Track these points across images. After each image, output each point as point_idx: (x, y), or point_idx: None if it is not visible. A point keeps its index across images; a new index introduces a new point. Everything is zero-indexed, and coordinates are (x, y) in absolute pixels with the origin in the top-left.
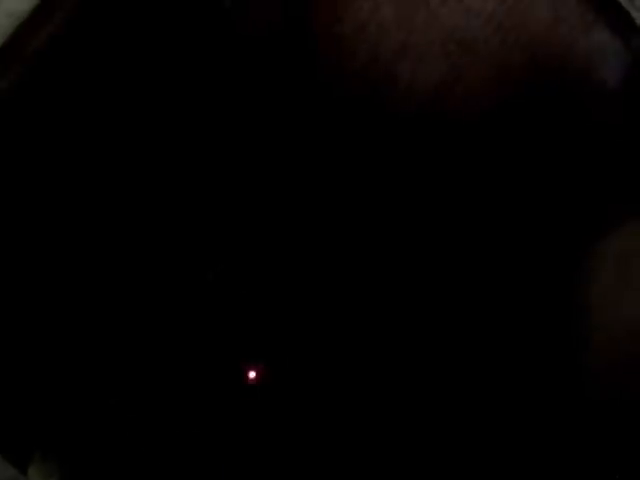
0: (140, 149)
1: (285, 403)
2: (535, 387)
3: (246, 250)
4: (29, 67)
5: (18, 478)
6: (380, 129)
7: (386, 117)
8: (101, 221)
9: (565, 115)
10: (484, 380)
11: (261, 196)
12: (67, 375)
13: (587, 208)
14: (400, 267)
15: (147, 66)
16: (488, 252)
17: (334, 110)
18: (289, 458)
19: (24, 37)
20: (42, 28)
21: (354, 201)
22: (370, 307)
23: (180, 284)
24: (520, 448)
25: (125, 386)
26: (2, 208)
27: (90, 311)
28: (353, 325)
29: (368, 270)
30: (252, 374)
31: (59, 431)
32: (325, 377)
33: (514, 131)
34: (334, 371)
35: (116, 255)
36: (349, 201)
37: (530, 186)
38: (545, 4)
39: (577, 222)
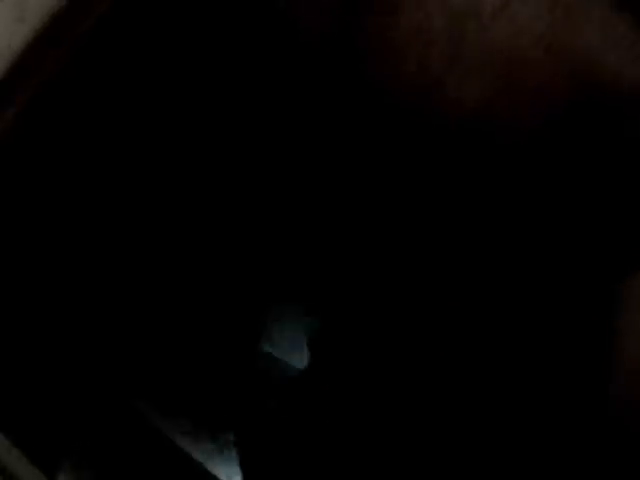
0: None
1: (288, 402)
2: (556, 400)
3: (256, 247)
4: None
5: None
6: (426, 137)
7: (433, 125)
8: (104, 220)
9: (608, 141)
10: (501, 385)
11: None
12: (98, 384)
13: (625, 236)
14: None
15: (201, 66)
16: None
17: (382, 114)
18: (295, 455)
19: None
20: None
21: (390, 205)
22: (380, 306)
23: (183, 281)
24: (527, 453)
25: (155, 393)
26: (7, 208)
27: (112, 319)
28: (361, 323)
29: (384, 270)
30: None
31: (90, 441)
32: (333, 376)
33: (557, 150)
34: (341, 370)
35: (121, 252)
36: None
37: (566, 208)
38: (595, 29)
39: (616, 249)
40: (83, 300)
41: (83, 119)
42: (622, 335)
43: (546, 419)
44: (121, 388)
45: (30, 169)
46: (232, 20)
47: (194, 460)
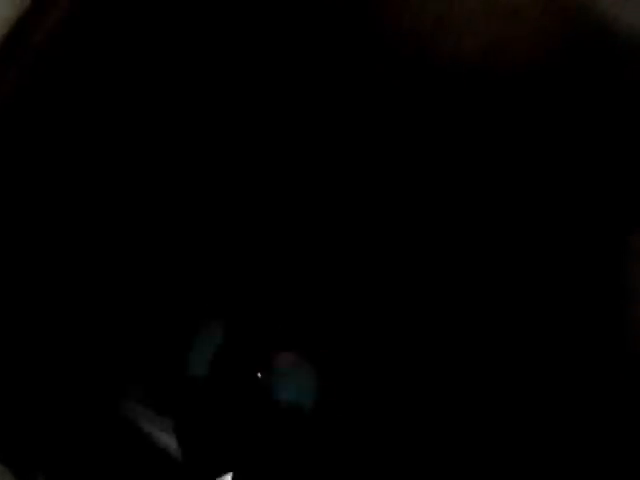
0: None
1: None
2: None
3: (249, 252)
4: (26, 69)
5: None
6: (425, 84)
7: (434, 75)
8: (101, 220)
9: (608, 87)
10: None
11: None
12: (71, 396)
13: (622, 198)
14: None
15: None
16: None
17: (384, 65)
18: (294, 456)
19: (19, 38)
20: (38, 28)
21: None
22: (377, 307)
23: (182, 281)
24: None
25: (137, 402)
26: (2, 208)
27: (101, 319)
28: (357, 325)
29: (380, 269)
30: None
31: (61, 455)
32: (329, 376)
33: (558, 96)
34: (338, 371)
35: (117, 255)
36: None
37: (569, 158)
38: None
39: (621, 201)
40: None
41: (77, 110)
42: (634, 287)
43: (556, 402)
44: (105, 392)
45: (26, 149)
46: None
47: (176, 459)
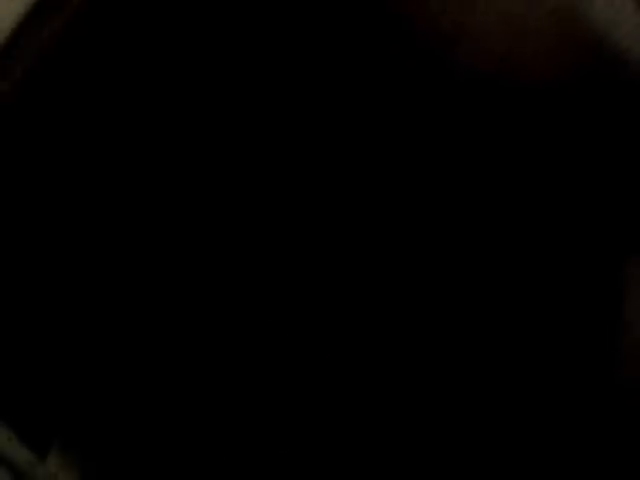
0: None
1: (286, 400)
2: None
3: (247, 248)
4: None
5: (36, 463)
6: (444, 87)
7: (453, 76)
8: (103, 221)
9: (614, 115)
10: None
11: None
12: (90, 363)
13: (619, 226)
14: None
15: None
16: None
17: (406, 60)
18: (289, 456)
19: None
20: (44, 26)
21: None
22: (374, 305)
23: (182, 283)
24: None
25: (147, 380)
26: (3, 208)
27: (106, 301)
28: (355, 324)
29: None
30: None
31: (80, 420)
32: (326, 376)
33: (564, 117)
34: (335, 370)
35: (118, 255)
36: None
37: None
38: (604, 8)
39: (615, 231)
40: (76, 289)
41: (78, 109)
42: (627, 318)
43: (550, 412)
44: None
45: (26, 149)
46: None
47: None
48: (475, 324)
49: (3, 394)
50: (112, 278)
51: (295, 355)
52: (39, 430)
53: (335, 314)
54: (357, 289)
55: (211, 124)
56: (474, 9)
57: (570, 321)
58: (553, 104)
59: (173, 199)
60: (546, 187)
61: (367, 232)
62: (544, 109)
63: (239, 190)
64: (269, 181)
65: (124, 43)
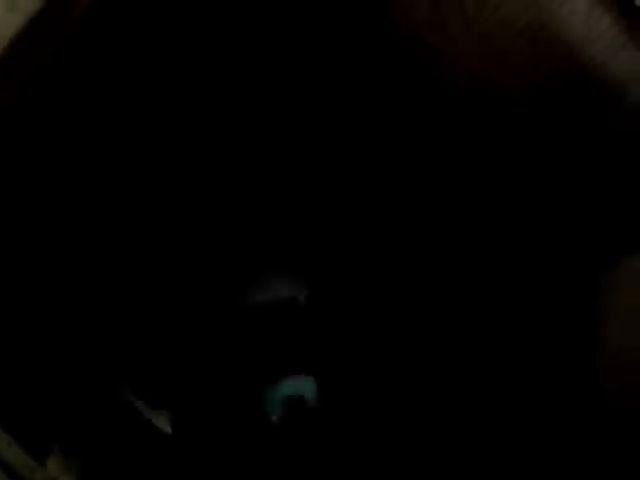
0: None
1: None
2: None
3: (252, 249)
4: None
5: (36, 468)
6: (433, 94)
7: (436, 87)
8: (102, 222)
9: (594, 128)
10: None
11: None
12: (89, 368)
13: (600, 234)
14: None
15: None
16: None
17: (396, 63)
18: (291, 456)
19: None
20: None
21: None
22: (376, 305)
23: (182, 283)
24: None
25: (146, 382)
26: (3, 208)
27: (105, 304)
28: (355, 324)
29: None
30: None
31: (79, 426)
32: (326, 377)
33: (545, 130)
34: (335, 371)
35: (118, 255)
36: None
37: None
38: (580, 22)
39: (592, 243)
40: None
41: (79, 111)
42: (607, 320)
43: (539, 416)
44: (111, 375)
45: (25, 159)
46: None
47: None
48: (465, 326)
49: (2, 399)
50: (109, 282)
51: (295, 355)
52: (38, 435)
53: (335, 314)
54: (357, 289)
55: (211, 127)
56: (450, 29)
57: (551, 330)
58: (531, 119)
59: (172, 198)
60: (528, 193)
61: (364, 232)
62: (523, 123)
63: (238, 189)
64: (266, 181)
65: (122, 55)
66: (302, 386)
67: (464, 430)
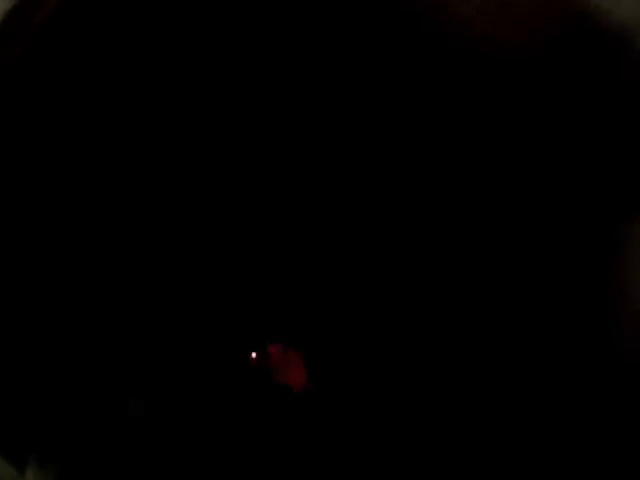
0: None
1: (284, 402)
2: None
3: (248, 249)
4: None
5: (17, 478)
6: (439, 59)
7: (445, 46)
8: (100, 218)
9: (599, 79)
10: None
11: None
12: (65, 377)
13: (615, 186)
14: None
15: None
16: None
17: (399, 33)
18: (289, 456)
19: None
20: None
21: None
22: (375, 307)
23: (181, 280)
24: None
25: (127, 389)
26: (2, 207)
27: (89, 310)
28: (354, 324)
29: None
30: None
31: (54, 435)
32: (326, 376)
33: (550, 86)
34: (335, 370)
35: (117, 252)
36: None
37: (560, 152)
38: None
39: (604, 201)
40: (58, 293)
41: (54, 110)
42: (628, 272)
43: (550, 406)
44: (95, 390)
45: (18, 146)
46: None
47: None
48: (472, 304)
49: None
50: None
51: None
52: (17, 446)
53: (335, 314)
54: (356, 289)
55: (210, 120)
56: (446, 13)
57: (570, 294)
58: (535, 81)
59: (171, 197)
60: (541, 157)
61: (368, 229)
62: (526, 86)
63: (238, 189)
64: (270, 177)
65: (119, 30)
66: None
67: (470, 407)
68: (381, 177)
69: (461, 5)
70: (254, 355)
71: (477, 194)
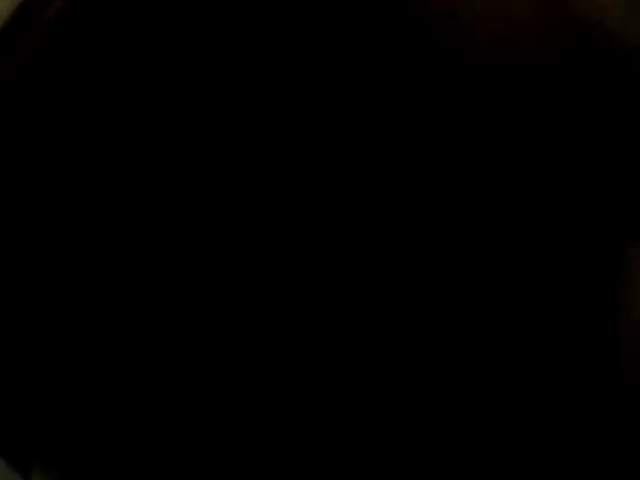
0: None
1: (283, 401)
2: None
3: (247, 248)
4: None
5: None
6: (446, 69)
7: (452, 56)
8: (101, 220)
9: (608, 99)
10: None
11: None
12: (68, 381)
13: (623, 202)
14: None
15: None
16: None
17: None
18: (286, 457)
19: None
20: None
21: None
22: (374, 305)
23: (182, 283)
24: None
25: (128, 396)
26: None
27: (92, 315)
28: (354, 324)
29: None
30: None
31: (58, 441)
32: (324, 375)
33: (557, 102)
34: (333, 369)
35: (117, 255)
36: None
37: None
38: None
39: (611, 216)
40: (59, 299)
41: (62, 112)
42: (629, 294)
43: (550, 407)
44: (98, 395)
45: (18, 147)
46: None
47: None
48: (472, 304)
49: None
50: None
51: (294, 354)
52: (21, 451)
53: (334, 314)
54: (356, 288)
55: (209, 120)
56: (454, 21)
57: (568, 307)
58: (544, 86)
59: (170, 198)
60: (543, 171)
61: (368, 229)
62: (536, 92)
63: (238, 189)
64: (271, 179)
65: (113, 45)
66: None
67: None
68: (381, 176)
69: (464, 11)
70: None
71: (476, 196)
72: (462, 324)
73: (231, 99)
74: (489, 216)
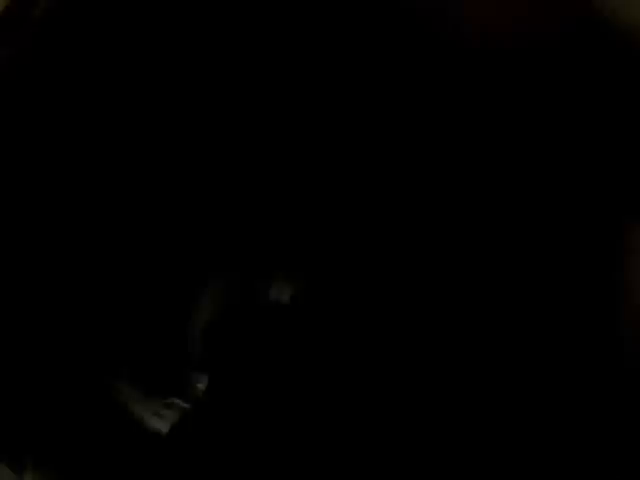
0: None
1: (281, 408)
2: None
3: (251, 250)
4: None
5: None
6: (437, 56)
7: (443, 42)
8: (99, 219)
9: (603, 79)
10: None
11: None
12: (62, 378)
13: (624, 183)
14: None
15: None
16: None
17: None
18: (286, 457)
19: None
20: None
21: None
22: (378, 304)
23: (180, 283)
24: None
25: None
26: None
27: (86, 313)
28: (354, 324)
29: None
30: None
31: (50, 439)
32: (324, 375)
33: (552, 84)
34: (333, 370)
35: (115, 254)
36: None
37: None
38: None
39: (612, 197)
40: (56, 299)
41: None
42: (628, 284)
43: (552, 405)
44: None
45: (15, 144)
46: None
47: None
48: (471, 301)
49: None
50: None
51: (292, 355)
52: (14, 448)
53: (334, 314)
54: (356, 288)
55: (208, 118)
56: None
57: (570, 295)
58: (542, 70)
59: (169, 198)
60: (542, 154)
61: (368, 229)
62: (527, 83)
63: (237, 189)
64: (269, 179)
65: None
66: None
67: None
68: (381, 176)
69: (459, 2)
70: None
71: (475, 193)
72: (464, 304)
73: (231, 99)
74: (490, 200)
